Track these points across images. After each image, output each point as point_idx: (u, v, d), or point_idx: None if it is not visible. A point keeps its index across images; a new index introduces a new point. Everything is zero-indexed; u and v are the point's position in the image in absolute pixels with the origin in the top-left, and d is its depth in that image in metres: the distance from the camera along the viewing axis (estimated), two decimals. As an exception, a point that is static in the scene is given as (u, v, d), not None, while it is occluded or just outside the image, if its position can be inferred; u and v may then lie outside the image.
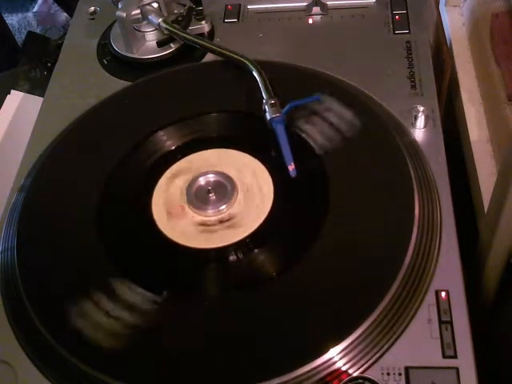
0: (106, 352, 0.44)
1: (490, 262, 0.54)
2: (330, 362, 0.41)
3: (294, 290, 0.45)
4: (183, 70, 0.62)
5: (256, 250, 0.48)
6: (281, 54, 0.62)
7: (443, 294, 0.44)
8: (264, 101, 0.54)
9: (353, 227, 0.47)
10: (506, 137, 0.57)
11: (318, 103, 0.55)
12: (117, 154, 0.55)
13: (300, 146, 0.52)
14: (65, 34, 0.72)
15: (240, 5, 0.68)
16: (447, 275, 0.45)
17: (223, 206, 0.51)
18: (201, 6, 0.65)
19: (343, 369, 0.41)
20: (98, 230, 0.50)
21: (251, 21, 0.67)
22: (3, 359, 0.45)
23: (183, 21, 0.63)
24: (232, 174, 0.53)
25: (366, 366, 0.41)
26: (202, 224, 0.50)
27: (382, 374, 0.41)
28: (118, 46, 0.65)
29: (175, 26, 0.62)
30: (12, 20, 1.15)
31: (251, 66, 0.57)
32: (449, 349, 0.41)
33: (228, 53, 0.60)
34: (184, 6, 0.66)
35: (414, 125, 0.54)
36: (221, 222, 0.50)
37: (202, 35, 0.65)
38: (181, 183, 0.53)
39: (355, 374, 0.41)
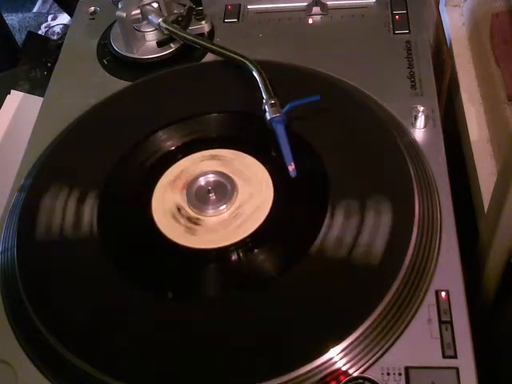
0: (106, 352, 0.44)
1: (489, 262, 0.54)
2: (330, 362, 0.41)
3: (293, 289, 0.45)
4: (183, 70, 0.62)
5: (256, 250, 0.48)
6: (281, 54, 0.62)
7: (443, 293, 0.44)
8: (264, 101, 0.54)
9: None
10: (506, 137, 0.57)
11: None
12: (117, 153, 0.55)
13: (300, 146, 0.52)
14: (65, 34, 0.72)
15: (240, 5, 0.68)
16: (447, 275, 0.45)
17: (223, 206, 0.51)
18: (201, 6, 0.65)
19: (343, 369, 0.41)
20: (98, 229, 0.50)
21: (251, 21, 0.67)
22: (3, 359, 0.45)
23: (183, 21, 0.63)
24: (232, 174, 0.53)
25: (365, 366, 0.41)
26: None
27: (382, 374, 0.41)
28: (118, 46, 0.65)
29: (175, 26, 0.62)
30: (12, 20, 1.15)
31: (251, 66, 0.57)
32: (449, 349, 0.41)
33: (228, 53, 0.60)
34: (184, 6, 0.65)
35: (413, 125, 0.54)
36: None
37: (201, 35, 0.65)
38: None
39: (355, 374, 0.41)
